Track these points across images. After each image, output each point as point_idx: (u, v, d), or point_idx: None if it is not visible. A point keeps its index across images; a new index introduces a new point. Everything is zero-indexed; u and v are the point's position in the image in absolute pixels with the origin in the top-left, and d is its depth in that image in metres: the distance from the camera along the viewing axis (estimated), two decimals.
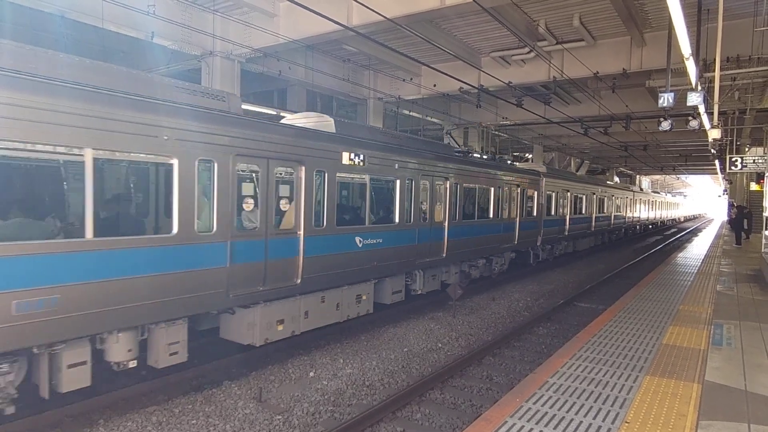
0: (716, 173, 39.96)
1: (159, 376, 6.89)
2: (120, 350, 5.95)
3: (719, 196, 55.83)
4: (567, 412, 4.54)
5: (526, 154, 37.76)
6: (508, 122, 23.87)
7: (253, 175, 7.26)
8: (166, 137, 6.04)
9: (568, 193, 21.09)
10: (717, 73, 10.35)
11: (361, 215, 9.54)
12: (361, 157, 9.17)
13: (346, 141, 9.01)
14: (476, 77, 16.76)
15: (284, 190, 7.78)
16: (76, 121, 5.23)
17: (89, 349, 5.70)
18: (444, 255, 11.86)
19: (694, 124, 12.14)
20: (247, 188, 7.20)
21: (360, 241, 9.24)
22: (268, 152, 7.35)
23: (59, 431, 5.73)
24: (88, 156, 5.38)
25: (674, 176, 62.50)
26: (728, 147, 21.59)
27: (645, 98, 19.90)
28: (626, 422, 4.32)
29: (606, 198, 27.17)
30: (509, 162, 19.58)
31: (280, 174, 7.69)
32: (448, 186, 11.95)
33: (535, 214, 17.62)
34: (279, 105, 19.21)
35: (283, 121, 9.70)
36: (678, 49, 8.22)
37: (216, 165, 6.63)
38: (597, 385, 5.20)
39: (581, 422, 4.33)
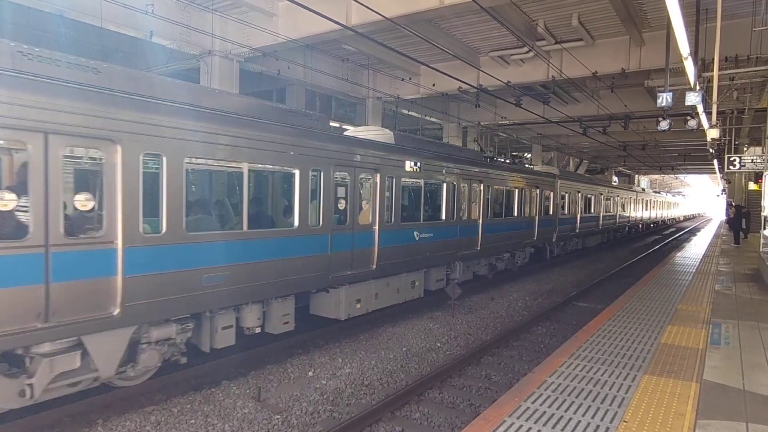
0: (715, 173, 40.01)
1: (157, 377, 6.89)
2: (252, 318, 7.56)
3: (718, 195, 55.92)
4: (565, 411, 4.54)
5: (525, 154, 37.77)
6: (507, 122, 23.88)
7: (345, 180, 9.05)
8: (292, 153, 7.80)
9: (579, 194, 22.50)
10: (715, 73, 10.36)
11: (417, 213, 11.20)
12: (418, 164, 10.92)
13: (407, 151, 10.75)
14: (475, 77, 16.77)
15: (365, 193, 9.62)
16: (240, 143, 6.97)
17: (234, 315, 7.33)
18: (478, 248, 13.53)
19: (692, 123, 12.14)
20: (341, 191, 8.96)
21: (417, 235, 10.95)
22: (355, 162, 9.14)
23: (58, 431, 5.73)
24: (245, 168, 7.12)
25: (673, 176, 62.59)
26: (726, 146, 21.63)
27: (644, 98, 19.92)
28: (624, 421, 4.33)
29: (612, 198, 28.58)
30: (526, 165, 21.01)
31: (362, 179, 9.47)
32: (481, 188, 13.60)
33: (551, 212, 19.15)
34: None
35: (345, 133, 10.99)
36: (677, 49, 8.23)
37: (322, 173, 8.36)
38: (595, 384, 5.21)
39: (579, 421, 4.34)
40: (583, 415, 4.46)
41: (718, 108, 11.41)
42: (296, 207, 7.93)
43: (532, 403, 4.70)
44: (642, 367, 5.76)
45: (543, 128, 26.82)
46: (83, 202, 5.48)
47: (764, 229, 15.62)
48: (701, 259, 16.68)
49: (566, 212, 20.86)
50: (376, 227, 9.61)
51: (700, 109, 11.22)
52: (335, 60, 17.44)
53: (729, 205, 34.28)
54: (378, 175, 9.66)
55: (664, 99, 10.20)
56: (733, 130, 21.13)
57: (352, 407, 6.59)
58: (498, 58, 16.65)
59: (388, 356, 8.56)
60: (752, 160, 16.26)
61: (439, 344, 9.38)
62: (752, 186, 25.67)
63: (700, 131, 13.40)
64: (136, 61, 15.24)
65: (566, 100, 21.40)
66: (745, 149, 24.37)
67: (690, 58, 8.40)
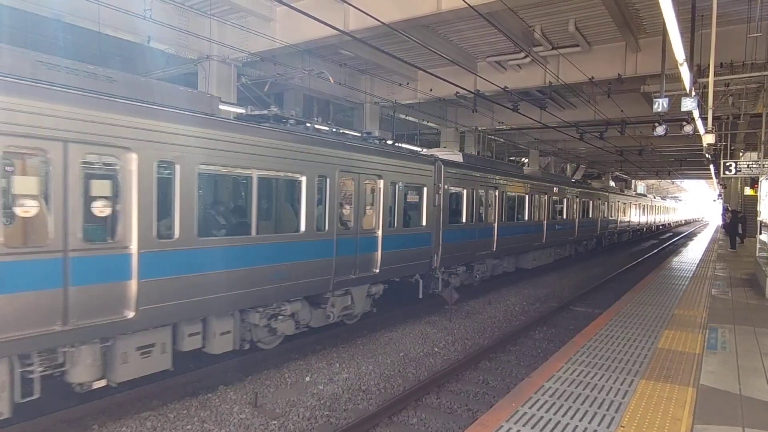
0: (711, 178, 40.17)
1: (154, 381, 6.87)
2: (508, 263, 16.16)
3: (714, 200, 56.16)
4: (563, 416, 4.55)
5: (523, 159, 37.85)
6: (504, 127, 23.94)
7: (537, 198, 17.81)
8: (532, 189, 17.48)
9: (619, 203, 31.19)
10: (711, 79, 10.39)
11: (556, 215, 20.17)
12: (557, 188, 20.09)
13: (552, 180, 20.01)
14: (472, 82, 16.82)
15: (541, 204, 18.25)
16: (527, 186, 17.02)
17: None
18: (575, 236, 22.80)
19: (688, 129, 12.20)
20: (536, 204, 17.80)
21: (556, 226, 19.83)
22: (542, 189, 18.20)
23: None
24: (526, 196, 17.07)
25: (669, 181, 62.89)
26: (722, 152, 21.73)
27: (640, 103, 20.00)
28: (621, 426, 4.34)
29: (636, 205, 37.16)
30: (588, 182, 29.37)
31: (541, 197, 18.35)
32: (577, 201, 22.66)
33: (605, 216, 27.78)
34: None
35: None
36: (672, 55, 8.28)
37: (535, 197, 17.59)
38: (592, 389, 5.21)
39: (576, 426, 4.34)
40: (580, 420, 4.46)
41: (713, 114, 11.46)
42: (526, 210, 16.76)
43: (530, 408, 4.71)
44: (639, 371, 5.77)
45: (540, 133, 26.88)
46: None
47: (760, 234, 15.65)
48: (698, 264, 16.73)
49: (612, 216, 29.31)
50: (545, 222, 18.56)
51: (695, 114, 11.29)
52: (333, 65, 17.46)
53: (725, 209, 34.44)
54: (546, 195, 18.56)
55: (660, 104, 10.26)
56: (729, 135, 21.23)
57: (349, 412, 6.58)
58: (495, 63, 16.70)
59: (385, 361, 8.54)
60: (748, 165, 16.31)
61: (436, 349, 9.37)
62: (748, 191, 25.75)
63: (696, 137, 13.46)
64: (134, 66, 15.25)
65: (563, 105, 21.47)
66: (740, 154, 24.48)
67: (686, 64, 8.45)
